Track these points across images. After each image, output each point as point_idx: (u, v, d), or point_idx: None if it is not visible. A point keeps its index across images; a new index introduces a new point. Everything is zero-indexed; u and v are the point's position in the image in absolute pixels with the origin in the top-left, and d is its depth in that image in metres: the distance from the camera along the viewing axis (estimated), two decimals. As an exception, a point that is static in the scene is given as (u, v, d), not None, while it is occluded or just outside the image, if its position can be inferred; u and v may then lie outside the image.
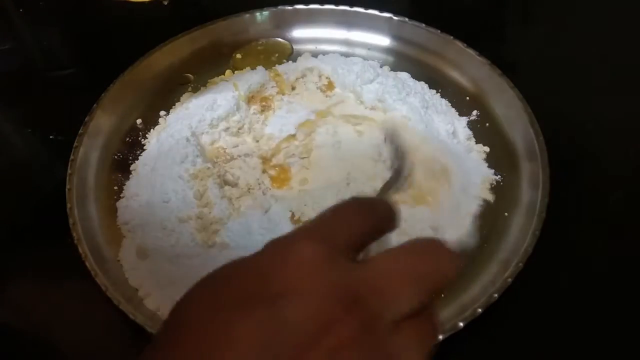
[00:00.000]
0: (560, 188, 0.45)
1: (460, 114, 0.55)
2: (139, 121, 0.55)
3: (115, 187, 0.49)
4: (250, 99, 0.56)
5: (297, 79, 0.57)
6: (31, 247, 0.47)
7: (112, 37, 0.65)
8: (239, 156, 0.51)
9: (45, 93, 0.60)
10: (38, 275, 0.45)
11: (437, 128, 0.52)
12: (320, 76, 0.57)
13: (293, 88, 0.57)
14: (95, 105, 0.52)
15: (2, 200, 0.50)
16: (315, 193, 0.47)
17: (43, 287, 0.44)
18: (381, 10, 0.61)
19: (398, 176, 0.40)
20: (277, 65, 0.60)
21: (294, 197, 0.48)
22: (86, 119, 0.51)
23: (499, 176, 0.50)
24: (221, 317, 0.18)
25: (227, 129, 0.52)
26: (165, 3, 0.61)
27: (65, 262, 0.43)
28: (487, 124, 0.54)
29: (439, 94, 0.56)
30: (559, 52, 0.62)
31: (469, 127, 0.54)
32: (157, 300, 0.41)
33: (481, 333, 0.40)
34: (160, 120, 0.55)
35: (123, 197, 0.48)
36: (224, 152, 0.51)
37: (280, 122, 0.52)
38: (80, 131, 0.50)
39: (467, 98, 0.56)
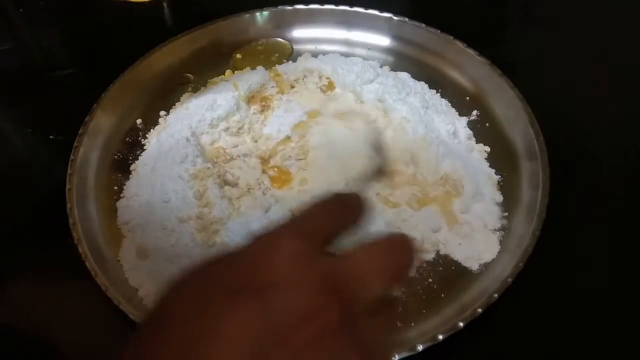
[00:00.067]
0: (560, 188, 0.45)
1: (460, 114, 0.55)
2: (139, 121, 0.55)
3: (115, 187, 0.49)
4: (250, 99, 0.56)
5: (297, 79, 0.57)
6: (31, 247, 0.47)
7: (112, 37, 0.65)
8: (239, 156, 0.51)
9: (45, 93, 0.60)
10: (38, 275, 0.45)
11: (438, 128, 0.52)
12: (320, 77, 0.57)
13: (292, 87, 0.57)
14: (95, 105, 0.52)
15: (2, 200, 0.50)
16: (314, 193, 0.47)
17: (43, 287, 0.44)
18: (381, 10, 0.61)
19: (378, 171, 0.43)
20: (277, 65, 0.60)
21: (293, 197, 0.48)
22: (86, 119, 0.51)
23: (499, 176, 0.50)
24: (208, 311, 0.19)
25: (227, 129, 0.52)
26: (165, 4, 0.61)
27: (65, 262, 0.43)
28: (487, 124, 0.54)
29: (439, 94, 0.56)
30: (559, 52, 0.62)
31: (469, 127, 0.54)
32: (157, 300, 0.41)
33: (481, 333, 0.40)
34: (160, 120, 0.55)
35: (123, 197, 0.48)
36: (224, 152, 0.51)
37: (278, 122, 0.52)
38: (80, 131, 0.50)
39: (467, 98, 0.56)
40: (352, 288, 0.21)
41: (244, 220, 0.46)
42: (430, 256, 0.45)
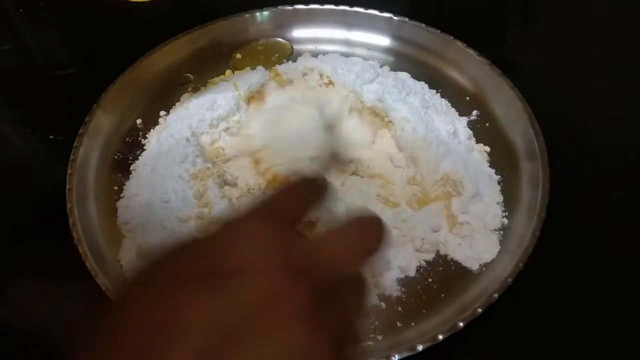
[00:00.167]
0: (560, 188, 0.45)
1: (460, 114, 0.55)
2: (139, 121, 0.55)
3: (115, 187, 0.49)
4: (250, 99, 0.55)
5: (297, 77, 0.57)
6: (31, 247, 0.47)
7: (112, 37, 0.65)
8: (237, 156, 0.51)
9: (45, 93, 0.60)
10: (38, 275, 0.45)
11: (438, 128, 0.52)
12: (321, 75, 0.57)
13: (291, 82, 0.57)
14: (95, 105, 0.52)
15: (2, 200, 0.50)
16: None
17: (43, 287, 0.44)
18: (381, 10, 0.61)
19: (338, 155, 0.44)
20: (277, 65, 0.59)
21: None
22: (86, 119, 0.51)
23: (499, 176, 0.50)
24: (166, 302, 0.18)
25: (227, 129, 0.52)
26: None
27: (65, 262, 0.43)
28: (487, 124, 0.54)
29: (439, 94, 0.56)
30: (559, 52, 0.62)
31: (469, 127, 0.54)
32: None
33: (481, 333, 0.40)
34: (160, 120, 0.55)
35: (123, 197, 0.48)
36: (224, 152, 0.51)
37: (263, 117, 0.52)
38: (80, 131, 0.50)
39: (467, 98, 0.56)
40: (321, 270, 0.21)
41: (244, 220, 0.46)
42: (430, 256, 0.45)
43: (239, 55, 0.61)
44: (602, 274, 0.44)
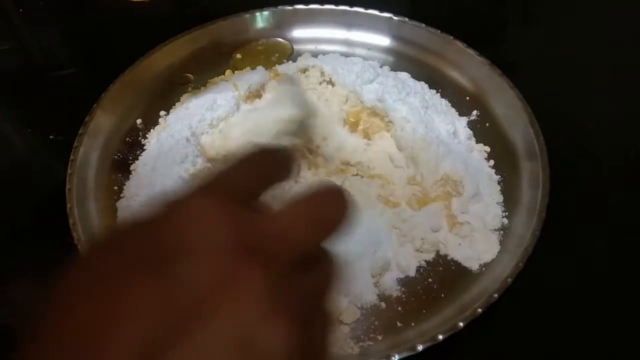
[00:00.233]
0: (560, 188, 0.45)
1: (460, 114, 0.55)
2: (139, 121, 0.55)
3: (115, 187, 0.49)
4: (248, 99, 0.55)
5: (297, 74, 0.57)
6: (31, 247, 0.47)
7: (112, 37, 0.65)
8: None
9: (45, 93, 0.60)
10: (38, 275, 0.45)
11: (438, 128, 0.52)
12: (322, 73, 0.57)
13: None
14: (95, 105, 0.52)
15: (2, 200, 0.50)
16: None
17: (43, 287, 0.44)
18: (381, 10, 0.61)
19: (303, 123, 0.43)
20: (277, 65, 0.59)
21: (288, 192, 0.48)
22: (86, 119, 0.51)
23: (499, 176, 0.50)
24: (108, 289, 0.17)
25: (220, 132, 0.52)
26: None
27: (65, 262, 0.43)
28: (487, 124, 0.54)
29: (439, 94, 0.56)
30: (559, 52, 0.62)
31: (469, 127, 0.54)
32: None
33: (481, 333, 0.40)
34: (160, 120, 0.55)
35: (123, 197, 0.48)
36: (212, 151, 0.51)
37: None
38: (80, 131, 0.50)
39: (467, 98, 0.56)
40: (279, 248, 0.19)
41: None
42: (430, 256, 0.45)
43: (239, 55, 0.61)
44: (602, 274, 0.44)
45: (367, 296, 0.42)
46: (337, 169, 0.49)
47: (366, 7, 0.61)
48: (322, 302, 0.20)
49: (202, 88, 0.58)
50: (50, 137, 0.55)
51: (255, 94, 0.55)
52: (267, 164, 0.22)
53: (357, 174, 0.49)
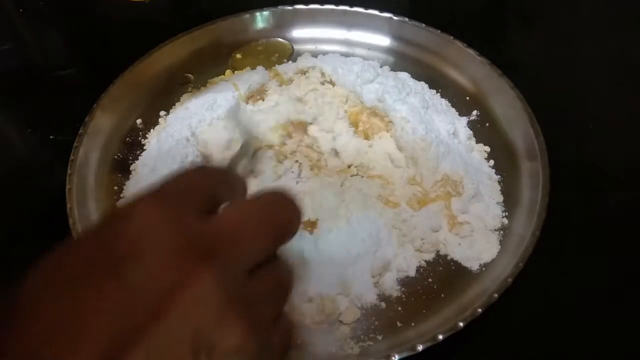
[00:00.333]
0: (560, 188, 0.45)
1: (460, 114, 0.55)
2: (139, 121, 0.55)
3: (115, 187, 0.49)
4: (249, 98, 0.55)
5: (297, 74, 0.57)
6: (31, 247, 0.47)
7: (112, 37, 0.65)
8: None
9: (45, 93, 0.60)
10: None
11: (438, 128, 0.52)
12: (322, 73, 0.57)
13: (292, 81, 0.57)
14: (95, 105, 0.52)
15: (2, 200, 0.50)
16: (315, 194, 0.47)
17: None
18: (381, 10, 0.61)
19: (245, 154, 0.45)
20: (277, 65, 0.59)
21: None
22: (86, 119, 0.51)
23: (499, 176, 0.50)
24: (62, 296, 0.17)
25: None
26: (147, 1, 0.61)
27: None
28: (487, 124, 0.54)
29: (439, 94, 0.56)
30: (559, 52, 0.62)
31: (469, 127, 0.54)
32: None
33: (481, 333, 0.40)
34: (160, 120, 0.55)
35: (123, 197, 0.48)
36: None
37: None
38: (80, 131, 0.50)
39: (467, 98, 0.56)
40: (227, 249, 0.19)
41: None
42: (430, 256, 0.45)
43: (238, 55, 0.61)
44: (602, 274, 0.44)
45: (367, 296, 0.42)
46: (337, 169, 0.49)
47: (366, 7, 0.61)
48: (279, 306, 0.21)
49: (202, 88, 0.58)
50: (50, 137, 0.55)
51: (256, 95, 0.55)
52: (215, 173, 0.23)
53: (357, 174, 0.49)
